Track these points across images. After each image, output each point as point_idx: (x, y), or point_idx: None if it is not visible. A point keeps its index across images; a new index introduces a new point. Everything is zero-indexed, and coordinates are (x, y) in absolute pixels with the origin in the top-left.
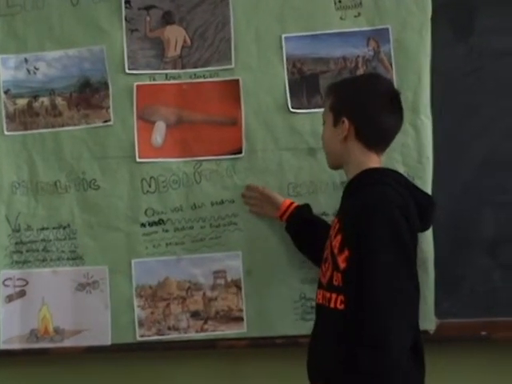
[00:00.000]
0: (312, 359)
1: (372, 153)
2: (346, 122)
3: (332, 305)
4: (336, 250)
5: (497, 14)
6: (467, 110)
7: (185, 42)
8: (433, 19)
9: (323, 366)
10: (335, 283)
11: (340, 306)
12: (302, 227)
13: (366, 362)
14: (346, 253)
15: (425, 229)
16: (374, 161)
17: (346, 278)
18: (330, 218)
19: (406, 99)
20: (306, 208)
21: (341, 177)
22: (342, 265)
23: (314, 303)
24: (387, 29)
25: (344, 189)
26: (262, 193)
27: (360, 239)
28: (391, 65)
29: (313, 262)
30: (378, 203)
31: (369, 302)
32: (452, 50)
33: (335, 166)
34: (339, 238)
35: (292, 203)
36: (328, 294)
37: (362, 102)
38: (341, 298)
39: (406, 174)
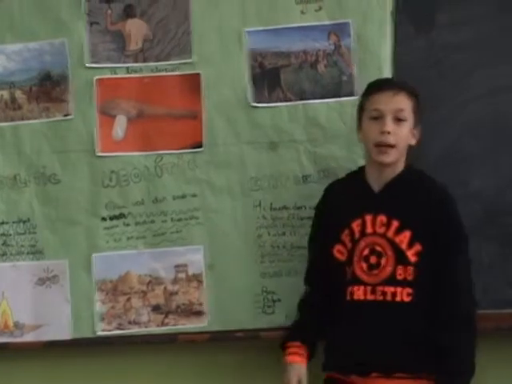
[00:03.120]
0: (383, 350)
1: None
2: (420, 131)
3: (398, 298)
4: (404, 246)
5: (457, 8)
6: (428, 103)
7: (146, 35)
8: (393, 13)
9: (411, 353)
10: (399, 277)
11: (407, 299)
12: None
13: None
14: (418, 247)
15: None
16: None
17: (417, 271)
18: (290, 212)
19: None
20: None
21: (301, 171)
22: (413, 258)
23: (274, 296)
24: (348, 23)
25: (388, 186)
26: None
27: (440, 232)
28: (352, 59)
29: None
30: (452, 198)
31: (463, 280)
32: (413, 44)
33: (392, 162)
34: (407, 234)
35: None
36: (391, 289)
37: None
38: (407, 290)
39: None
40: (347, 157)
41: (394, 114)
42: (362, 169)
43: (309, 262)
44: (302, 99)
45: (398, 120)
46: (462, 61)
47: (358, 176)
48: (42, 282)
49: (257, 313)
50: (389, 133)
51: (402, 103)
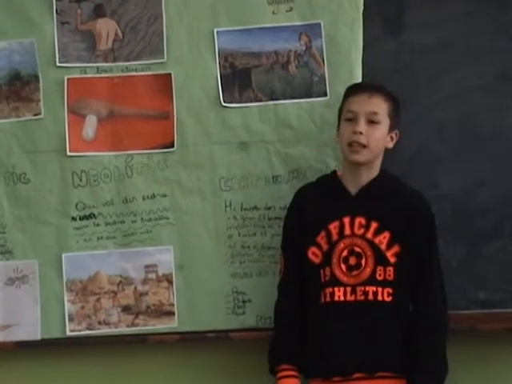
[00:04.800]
0: (365, 350)
1: None
2: (398, 134)
3: (380, 298)
4: (384, 247)
5: (427, 10)
6: None
7: (116, 35)
8: (364, 15)
9: (393, 352)
10: (379, 278)
11: (388, 299)
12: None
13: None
14: (397, 248)
15: None
16: None
17: (397, 272)
18: (261, 212)
19: (337, 94)
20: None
21: (272, 171)
22: (392, 259)
23: (245, 297)
24: (319, 24)
25: (365, 189)
26: None
27: (417, 234)
28: (323, 60)
29: None
30: (429, 204)
31: (435, 273)
32: (383, 46)
33: (365, 163)
34: (387, 235)
35: None
36: (372, 288)
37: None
38: (388, 290)
39: (337, 169)
40: (317, 157)
41: (367, 116)
42: (334, 173)
43: (283, 269)
44: (272, 100)
45: (372, 122)
46: (431, 62)
47: (331, 179)
48: (11, 282)
49: (227, 313)
50: (361, 133)
51: (377, 106)
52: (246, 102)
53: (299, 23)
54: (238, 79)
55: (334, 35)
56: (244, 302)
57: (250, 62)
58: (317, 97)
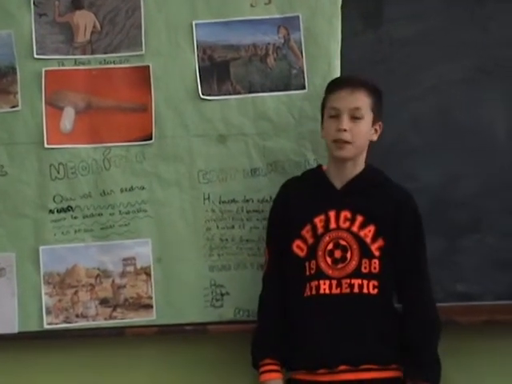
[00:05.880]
0: (350, 342)
1: None
2: (381, 126)
3: (365, 290)
4: (369, 240)
5: (405, 3)
6: None
7: (94, 27)
8: (343, 8)
9: (377, 344)
10: (364, 270)
11: (373, 291)
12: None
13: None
14: (381, 242)
15: None
16: None
17: (381, 265)
18: (239, 205)
19: (315, 87)
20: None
21: (250, 164)
22: (377, 253)
23: (223, 290)
24: (297, 17)
25: (351, 183)
26: None
27: (403, 230)
28: (301, 53)
29: None
30: (414, 199)
31: (423, 273)
32: (361, 39)
33: (351, 158)
34: (372, 228)
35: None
36: (358, 281)
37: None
38: (373, 283)
39: (315, 162)
40: (296, 150)
41: (350, 112)
42: (319, 167)
43: (267, 261)
44: (251, 92)
45: (355, 118)
46: (409, 56)
47: (316, 174)
48: None
49: (205, 306)
50: (345, 130)
51: (359, 101)
52: (225, 94)
53: (278, 16)
54: (217, 72)
55: (312, 28)
56: (222, 294)
57: (229, 54)
58: (295, 89)
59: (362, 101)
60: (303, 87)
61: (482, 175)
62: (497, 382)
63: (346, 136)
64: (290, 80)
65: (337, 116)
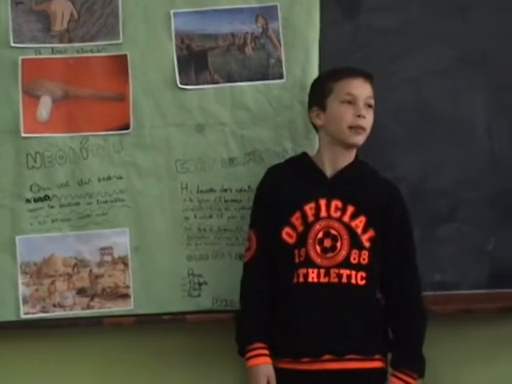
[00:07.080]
0: (336, 332)
1: None
2: None
3: (353, 281)
4: (359, 230)
5: None
6: None
7: (72, 15)
8: None
9: (363, 335)
10: (353, 261)
11: (361, 282)
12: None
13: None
14: (371, 233)
15: None
16: None
17: (371, 256)
18: (217, 195)
19: (293, 76)
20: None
21: (228, 153)
22: (367, 244)
23: (201, 279)
24: (276, 6)
25: (341, 172)
26: None
27: (394, 219)
28: (279, 42)
29: None
30: (400, 191)
31: (411, 265)
32: (340, 28)
33: (360, 145)
34: (363, 219)
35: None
36: (346, 271)
37: None
38: (361, 274)
39: (293, 151)
40: (274, 139)
41: (365, 100)
42: (305, 154)
43: (254, 247)
44: (229, 82)
45: (369, 106)
46: (388, 45)
47: (303, 161)
48: None
49: (183, 296)
50: (364, 117)
51: (371, 90)
52: (203, 84)
53: (256, 5)
54: (195, 61)
55: (290, 17)
56: (200, 284)
57: (207, 43)
58: (273, 79)
59: (371, 90)
60: (281, 76)
61: (460, 165)
62: (474, 371)
63: (365, 123)
64: (268, 69)
65: (352, 102)
